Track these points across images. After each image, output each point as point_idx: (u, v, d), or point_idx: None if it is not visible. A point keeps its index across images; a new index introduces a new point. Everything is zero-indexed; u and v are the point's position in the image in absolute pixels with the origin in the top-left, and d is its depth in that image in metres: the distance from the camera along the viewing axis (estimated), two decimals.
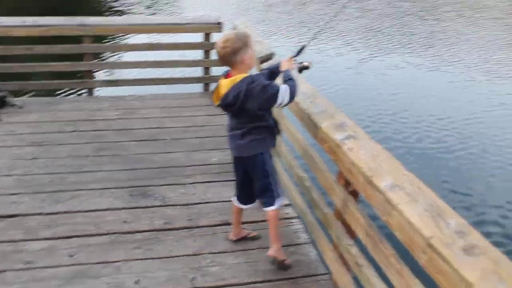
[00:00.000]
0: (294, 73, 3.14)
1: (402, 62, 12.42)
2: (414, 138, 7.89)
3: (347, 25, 16.35)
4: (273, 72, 3.21)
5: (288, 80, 3.02)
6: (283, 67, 3.15)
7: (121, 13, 17.99)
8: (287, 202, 4.07)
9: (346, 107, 8.51)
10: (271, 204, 3.19)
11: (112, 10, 18.54)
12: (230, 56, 2.89)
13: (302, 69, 3.26)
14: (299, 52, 3.24)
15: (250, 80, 2.86)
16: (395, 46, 13.98)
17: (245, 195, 3.34)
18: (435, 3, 21.64)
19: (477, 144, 7.81)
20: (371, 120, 8.52)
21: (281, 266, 3.30)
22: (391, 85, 10.52)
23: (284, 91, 2.89)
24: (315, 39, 3.40)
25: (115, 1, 20.41)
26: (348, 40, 14.52)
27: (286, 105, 2.97)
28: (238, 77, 2.90)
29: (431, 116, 8.88)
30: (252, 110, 2.92)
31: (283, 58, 3.27)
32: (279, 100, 2.88)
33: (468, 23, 17.71)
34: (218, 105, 3.00)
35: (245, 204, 3.39)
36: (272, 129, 3.11)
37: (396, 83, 10.70)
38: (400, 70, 11.76)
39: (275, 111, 3.22)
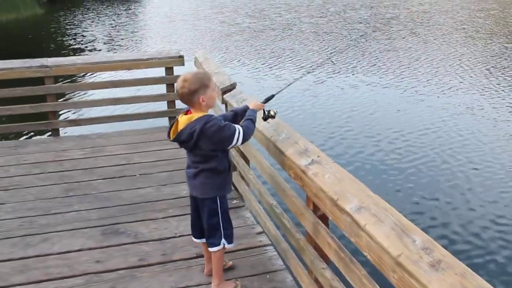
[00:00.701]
0: (257, 116, 3.25)
1: (357, 81, 12.72)
2: (374, 157, 8.06)
3: (300, 47, 16.66)
4: (238, 115, 3.29)
5: (248, 120, 3.13)
6: (251, 107, 3.27)
7: (81, 51, 17.98)
8: (259, 230, 4.12)
9: (304, 130, 8.66)
10: (216, 245, 3.24)
11: (71, 49, 18.51)
12: (188, 96, 2.98)
13: (268, 117, 3.36)
14: (268, 100, 3.35)
15: (206, 120, 2.94)
16: (350, 66, 14.25)
17: (197, 230, 3.38)
18: (387, 23, 22.20)
19: (436, 158, 8.03)
20: (332, 141, 8.66)
21: None
22: (347, 106, 10.74)
23: (240, 132, 3.01)
24: (284, 89, 3.50)
25: (73, 40, 20.39)
26: (300, 61, 14.79)
27: (239, 144, 3.07)
28: (194, 115, 2.99)
29: (389, 133, 9.11)
30: (206, 149, 3.01)
31: (251, 100, 3.37)
32: (234, 142, 3.00)
33: (419, 40, 18.19)
34: (173, 140, 3.09)
35: (198, 238, 3.42)
36: (225, 173, 3.17)
37: (352, 103, 10.94)
38: (355, 90, 12.03)
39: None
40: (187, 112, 3.06)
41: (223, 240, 3.23)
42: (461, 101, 11.04)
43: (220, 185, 3.18)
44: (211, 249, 3.26)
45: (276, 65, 14.46)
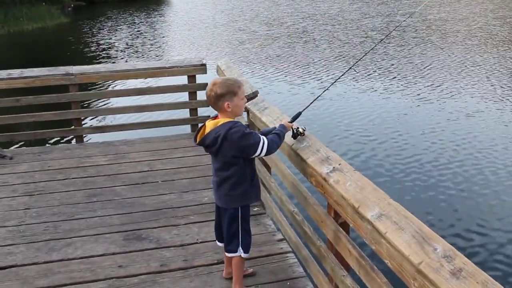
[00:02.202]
0: (285, 133, 3.30)
1: (375, 89, 12.66)
2: (395, 165, 8.01)
3: (321, 55, 16.67)
4: (266, 134, 3.30)
5: (275, 134, 3.17)
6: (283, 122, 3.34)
7: (104, 59, 18.21)
8: (280, 237, 4.14)
9: (324, 139, 8.66)
10: (233, 251, 3.29)
11: (95, 57, 18.76)
12: (214, 100, 3.04)
13: (297, 135, 3.40)
14: (295, 118, 3.39)
15: (231, 125, 2.98)
16: (367, 74, 14.22)
17: (219, 233, 3.44)
18: (403, 30, 22.11)
19: (459, 166, 7.95)
20: (353, 150, 8.65)
21: None
22: (367, 114, 10.69)
23: (264, 143, 3.05)
24: (310, 105, 3.53)
25: (97, 48, 20.66)
26: (322, 70, 14.79)
27: (261, 156, 3.10)
28: (221, 120, 3.04)
29: (409, 141, 9.06)
30: (228, 156, 3.04)
31: (282, 121, 3.42)
32: (258, 151, 3.04)
33: (442, 48, 18.08)
34: (198, 144, 3.14)
35: (220, 242, 3.47)
36: (247, 183, 3.18)
37: (371, 111, 10.88)
38: (373, 98, 11.97)
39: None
40: (214, 118, 3.12)
41: (240, 249, 3.27)
42: (487, 109, 10.94)
43: (242, 196, 3.20)
44: (227, 254, 3.33)
45: (299, 74, 14.47)
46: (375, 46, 4.45)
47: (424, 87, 12.82)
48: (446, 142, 9.00)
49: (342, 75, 4.07)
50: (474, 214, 6.56)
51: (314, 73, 14.43)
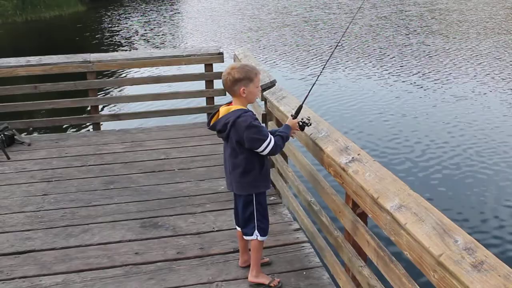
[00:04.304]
0: (289, 134, 3.29)
1: (391, 81, 12.52)
2: (415, 155, 7.94)
3: (330, 44, 16.57)
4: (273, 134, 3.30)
5: (279, 136, 3.15)
6: (287, 123, 3.32)
7: (122, 47, 18.25)
8: (297, 226, 4.13)
9: (343, 129, 8.61)
10: (249, 234, 3.30)
11: (112, 45, 18.81)
12: (231, 84, 3.07)
13: (304, 127, 3.38)
14: (298, 112, 3.36)
15: (240, 113, 3.01)
16: (380, 65, 14.12)
17: (237, 217, 3.44)
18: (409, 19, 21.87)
19: (480, 157, 7.85)
20: (372, 140, 8.58)
21: None
22: (386, 104, 10.59)
23: (271, 141, 3.05)
24: (308, 95, 3.49)
25: (114, 36, 20.71)
26: (344, 60, 14.72)
27: (265, 153, 3.09)
28: (233, 107, 3.08)
29: (429, 132, 8.96)
30: (234, 143, 3.07)
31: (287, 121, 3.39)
32: (262, 147, 3.03)
33: (454, 37, 17.89)
34: (210, 128, 3.18)
35: (238, 226, 3.47)
36: (255, 172, 3.17)
37: (390, 102, 10.77)
38: (392, 89, 11.84)
39: None
40: (229, 104, 3.15)
41: (256, 232, 3.28)
42: (505, 99, 10.82)
43: (251, 184, 3.21)
44: (245, 237, 3.35)
45: (314, 62, 14.40)
46: (349, 24, 4.36)
47: (443, 75, 12.69)
48: (470, 131, 8.89)
49: (328, 59, 4.01)
50: (497, 205, 6.47)
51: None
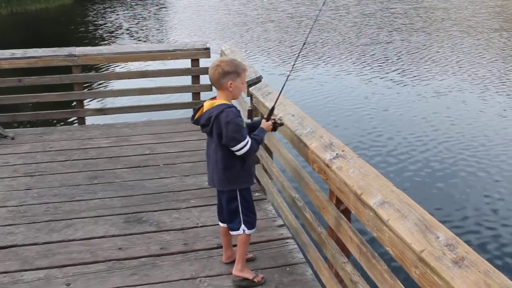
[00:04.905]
0: (263, 137, 3.29)
1: (376, 77, 12.59)
2: (398, 152, 7.98)
3: (322, 41, 16.59)
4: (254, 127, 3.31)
5: (255, 140, 3.13)
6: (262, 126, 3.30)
7: (108, 41, 18.13)
8: (281, 223, 4.13)
9: (327, 126, 8.61)
10: (235, 229, 3.31)
11: (98, 39, 18.68)
12: (219, 76, 3.06)
13: (276, 128, 3.39)
14: (270, 114, 3.35)
15: (224, 108, 3.02)
16: (364, 62, 14.17)
17: (221, 213, 3.44)
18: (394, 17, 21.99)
19: (463, 154, 7.92)
20: (356, 137, 8.61)
21: (249, 284, 3.35)
22: (369, 102, 10.64)
23: (248, 144, 3.04)
24: (279, 96, 3.48)
25: (100, 30, 20.57)
26: (326, 56, 14.74)
27: (239, 154, 3.07)
28: (217, 101, 3.08)
29: (413, 129, 9.02)
30: (215, 137, 3.07)
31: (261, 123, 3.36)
32: (237, 147, 3.03)
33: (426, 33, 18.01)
34: (194, 122, 3.18)
35: (222, 222, 3.47)
36: (235, 168, 3.17)
37: (374, 99, 10.83)
38: (376, 86, 11.90)
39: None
40: (213, 99, 3.15)
41: (242, 226, 3.28)
42: (484, 96, 10.95)
43: (232, 180, 3.21)
44: (232, 233, 3.35)
45: (299, 58, 14.40)
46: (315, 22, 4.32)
47: (428, 72, 12.77)
48: (453, 128, 8.98)
49: (297, 57, 3.97)
50: (479, 203, 6.53)
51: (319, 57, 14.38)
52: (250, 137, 3.11)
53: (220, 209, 3.41)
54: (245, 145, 3.03)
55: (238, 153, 3.06)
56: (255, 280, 3.34)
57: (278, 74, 12.46)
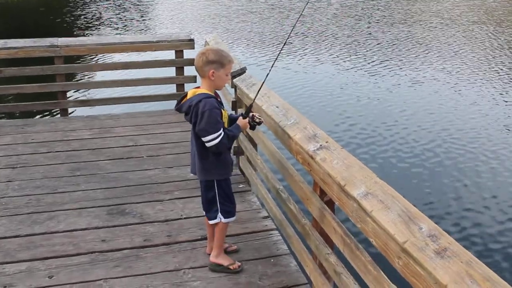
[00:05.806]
0: (237, 134, 3.30)
1: (363, 69, 12.60)
2: (382, 144, 8.01)
3: (309, 35, 16.59)
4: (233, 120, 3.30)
5: (226, 135, 3.10)
6: (239, 123, 3.27)
7: (91, 31, 17.96)
8: (265, 214, 4.13)
9: (312, 118, 8.62)
10: (212, 218, 3.34)
11: (81, 29, 18.50)
12: (202, 64, 3.07)
13: (254, 126, 3.37)
14: (248, 112, 3.33)
15: (203, 97, 3.03)
16: (355, 55, 14.19)
17: (204, 203, 3.45)
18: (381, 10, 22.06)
19: (447, 146, 7.97)
20: (340, 128, 8.63)
21: (223, 270, 3.38)
22: (355, 93, 10.65)
23: (220, 137, 3.03)
24: (257, 95, 3.47)
25: (84, 20, 20.37)
26: (313, 49, 14.76)
27: (208, 146, 3.07)
28: (199, 90, 3.11)
29: (398, 120, 9.07)
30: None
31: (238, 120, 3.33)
32: (207, 139, 3.04)
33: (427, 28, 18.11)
34: (176, 109, 3.20)
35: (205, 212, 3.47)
36: (212, 158, 3.17)
37: (359, 90, 10.84)
38: (362, 77, 11.92)
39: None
40: (197, 88, 3.17)
41: (219, 215, 3.30)
42: (464, 86, 11.07)
43: (209, 170, 3.22)
44: (209, 222, 3.38)
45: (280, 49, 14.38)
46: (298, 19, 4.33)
47: (416, 66, 12.83)
48: (438, 121, 9.02)
49: (278, 54, 3.90)
50: (462, 194, 6.58)
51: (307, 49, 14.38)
52: (223, 131, 3.09)
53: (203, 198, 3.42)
54: (215, 138, 3.02)
55: (207, 145, 3.06)
56: (231, 267, 3.37)
57: (261, 65, 12.43)
